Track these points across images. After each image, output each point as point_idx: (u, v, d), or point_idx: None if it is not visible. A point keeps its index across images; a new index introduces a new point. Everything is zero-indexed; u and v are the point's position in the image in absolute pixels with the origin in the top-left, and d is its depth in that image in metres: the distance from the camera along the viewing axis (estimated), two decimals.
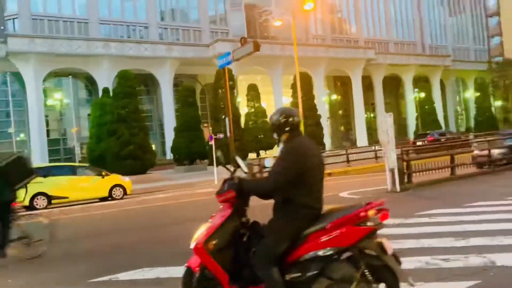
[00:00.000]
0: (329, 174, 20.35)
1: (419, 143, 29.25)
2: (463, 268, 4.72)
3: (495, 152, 16.47)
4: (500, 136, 19.92)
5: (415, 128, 50.19)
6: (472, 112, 57.43)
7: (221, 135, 24.93)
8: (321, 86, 43.66)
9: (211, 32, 47.57)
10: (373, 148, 28.81)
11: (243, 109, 37.39)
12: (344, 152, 25.68)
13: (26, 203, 14.69)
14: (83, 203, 16.18)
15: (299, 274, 3.07)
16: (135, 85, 30.63)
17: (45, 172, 16.01)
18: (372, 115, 52.60)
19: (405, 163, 13.37)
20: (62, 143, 40.90)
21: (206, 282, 3.37)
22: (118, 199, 16.58)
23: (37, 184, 14.94)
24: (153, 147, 33.72)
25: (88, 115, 37.67)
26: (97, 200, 16.81)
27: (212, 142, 24.41)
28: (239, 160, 3.75)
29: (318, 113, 35.44)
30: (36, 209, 14.95)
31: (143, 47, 38.77)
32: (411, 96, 52.75)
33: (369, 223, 3.08)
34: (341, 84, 53.48)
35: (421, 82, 52.96)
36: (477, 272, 4.55)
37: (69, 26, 41.78)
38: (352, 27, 56.85)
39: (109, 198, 16.65)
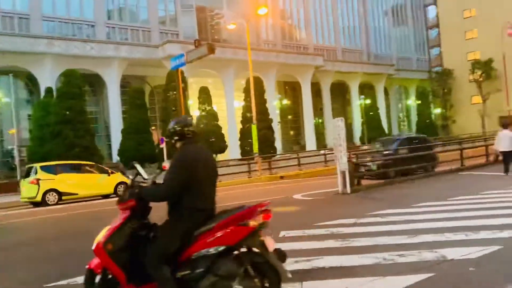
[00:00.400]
0: (282, 177, 20.65)
1: None
2: (417, 262, 4.98)
3: (371, 163, 16.13)
4: (379, 145, 18.39)
5: (361, 133, 52.08)
6: (414, 118, 60.42)
7: None
8: (272, 91, 44.20)
9: (160, 33, 46.74)
10: (322, 152, 29.62)
11: (194, 112, 37.05)
12: (295, 155, 26.14)
13: (39, 199, 15.74)
14: (90, 199, 16.95)
15: (188, 271, 3.30)
16: (81, 85, 29.48)
17: (55, 169, 16.76)
18: (320, 120, 53.93)
19: (355, 166, 13.84)
20: (0, 145, 38.52)
21: (108, 283, 3.49)
22: None
23: (49, 181, 15.94)
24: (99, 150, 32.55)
25: (29, 116, 35.75)
26: (100, 197, 17.33)
27: (163, 145, 24.03)
28: (138, 168, 3.91)
29: (270, 117, 35.83)
30: (48, 204, 15.74)
31: (89, 46, 37.38)
32: (357, 102, 54.67)
33: (252, 223, 3.33)
34: (291, 89, 54.43)
35: (367, 89, 55.06)
36: (430, 265, 4.81)
37: (9, 21, 39.45)
38: (302, 34, 58.08)
39: (113, 195, 17.14)
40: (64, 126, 26.66)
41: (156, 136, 35.25)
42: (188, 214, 3.39)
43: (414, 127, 58.70)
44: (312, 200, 11.62)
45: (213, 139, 35.20)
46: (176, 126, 3.59)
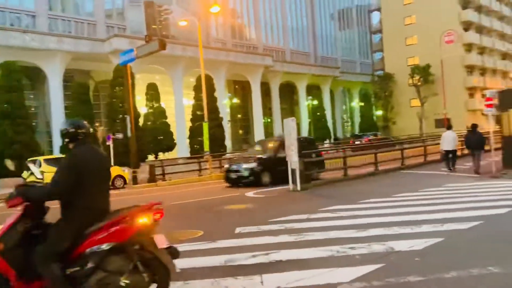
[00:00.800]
0: None
1: (357, 142, 35.89)
2: (368, 254, 5.29)
3: (243, 167, 14.91)
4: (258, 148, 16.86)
5: (308, 133, 53.26)
6: (357, 119, 62.72)
7: (120, 135, 23.92)
8: (222, 89, 44.13)
9: (106, 27, 45.20)
10: None
11: (141, 109, 36.19)
12: None
13: None
14: None
15: (78, 268, 3.43)
16: (21, 79, 27.91)
17: (57, 162, 16.63)
18: (269, 119, 54.59)
19: (305, 164, 14.24)
20: None
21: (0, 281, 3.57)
22: (120, 188, 17.87)
23: (51, 174, 15.30)
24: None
25: None
26: None
27: (110, 142, 23.33)
28: (32, 167, 4.04)
29: (220, 115, 35.76)
30: None
31: (29, 38, 35.43)
32: (305, 103, 55.87)
33: (141, 221, 3.53)
34: (240, 88, 54.65)
35: (314, 90, 56.41)
36: (380, 257, 5.14)
37: None
38: (252, 33, 58.46)
39: (111, 187, 17.67)
40: (2, 121, 25.12)
41: (100, 133, 34.06)
42: (80, 213, 3.49)
43: (357, 128, 60.90)
44: (265, 198, 11.83)
45: (161, 137, 34.62)
46: (68, 128, 3.69)
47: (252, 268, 4.94)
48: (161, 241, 3.54)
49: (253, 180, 14.53)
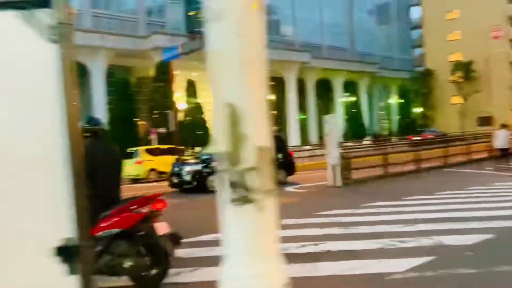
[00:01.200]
0: None
1: (418, 138, 37.19)
2: (418, 247, 5.38)
3: (185, 170, 13.10)
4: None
5: (343, 130, 52.81)
6: (395, 117, 61.57)
7: (163, 130, 24.64)
8: None
9: (147, 24, 46.32)
10: (307, 147, 30.08)
11: (179, 104, 36.97)
12: None
13: (144, 175, 19.10)
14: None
15: None
16: None
17: (156, 152, 20.36)
18: (304, 116, 54.47)
19: (345, 161, 14.27)
20: None
21: None
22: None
23: (149, 162, 19.41)
24: None
25: None
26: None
27: (154, 137, 24.10)
28: None
29: None
30: (149, 181, 19.02)
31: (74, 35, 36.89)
32: (341, 100, 55.36)
33: (144, 210, 4.00)
34: (275, 84, 54.72)
35: (350, 87, 55.79)
36: (430, 250, 5.22)
37: None
38: (288, 29, 58.36)
39: None
40: None
41: (142, 128, 35.04)
42: (91, 201, 3.88)
43: (395, 125, 59.78)
44: (305, 193, 11.99)
45: (200, 132, 35.27)
46: (87, 125, 4.14)
47: (303, 256, 5.13)
48: (163, 228, 4.02)
49: (196, 186, 12.51)
